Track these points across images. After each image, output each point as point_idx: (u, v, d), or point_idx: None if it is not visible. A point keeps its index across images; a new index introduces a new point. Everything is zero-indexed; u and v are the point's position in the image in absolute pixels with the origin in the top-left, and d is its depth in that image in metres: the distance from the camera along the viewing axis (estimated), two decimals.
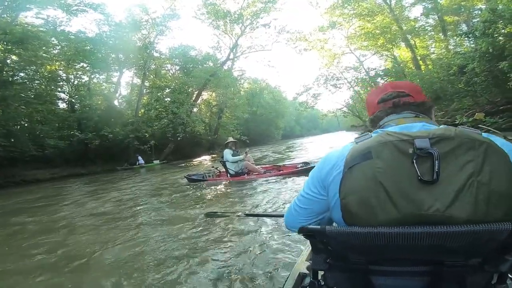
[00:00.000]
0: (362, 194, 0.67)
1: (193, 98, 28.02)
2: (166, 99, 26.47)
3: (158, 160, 21.02)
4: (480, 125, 9.15)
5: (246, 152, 7.36)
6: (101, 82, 25.60)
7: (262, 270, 2.13)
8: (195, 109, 29.09)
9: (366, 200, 0.66)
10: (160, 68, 28.77)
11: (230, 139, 7.42)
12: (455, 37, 19.71)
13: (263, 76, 75.55)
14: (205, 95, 31.43)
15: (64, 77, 20.90)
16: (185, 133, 24.37)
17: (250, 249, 2.56)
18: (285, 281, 1.21)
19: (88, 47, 20.31)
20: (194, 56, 29.55)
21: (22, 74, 17.49)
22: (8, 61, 16.55)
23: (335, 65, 27.01)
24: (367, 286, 0.76)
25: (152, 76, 27.66)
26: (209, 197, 5.50)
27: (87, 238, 3.52)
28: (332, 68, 27.10)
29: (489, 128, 8.60)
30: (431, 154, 0.63)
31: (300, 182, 5.54)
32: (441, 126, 0.73)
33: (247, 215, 2.81)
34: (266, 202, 4.42)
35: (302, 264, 1.31)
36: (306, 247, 1.56)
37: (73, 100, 20.68)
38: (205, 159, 19.08)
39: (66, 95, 20.89)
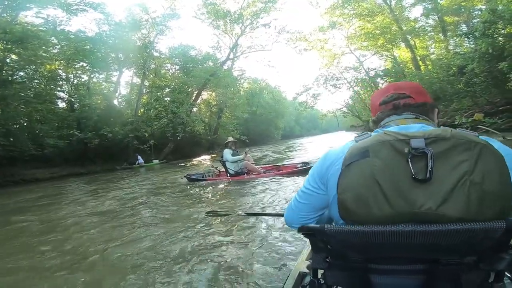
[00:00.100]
0: (359, 191, 0.68)
1: (193, 98, 27.98)
2: (165, 99, 26.43)
3: (158, 160, 21.00)
4: (479, 126, 9.17)
5: (245, 152, 7.37)
6: (100, 81, 25.59)
7: (262, 269, 2.14)
8: (194, 109, 29.06)
9: (362, 197, 0.68)
10: (159, 67, 28.74)
11: (230, 139, 7.42)
12: (455, 38, 19.72)
13: (263, 76, 75.40)
14: (205, 94, 31.40)
15: (63, 77, 20.86)
16: (184, 133, 24.35)
17: (250, 248, 2.57)
18: (286, 280, 1.22)
19: (88, 47, 20.24)
20: (194, 56, 29.49)
21: (21, 73, 17.45)
22: (8, 60, 16.49)
23: (335, 65, 27.09)
24: (366, 285, 0.77)
25: (151, 76, 27.63)
26: (209, 196, 5.50)
27: (88, 237, 3.52)
28: (332, 68, 27.18)
29: (488, 128, 8.62)
30: (426, 153, 0.64)
31: (299, 182, 5.54)
32: (439, 127, 0.75)
33: (247, 214, 2.82)
34: (266, 201, 4.42)
35: (302, 263, 1.32)
36: (306, 246, 1.56)
37: (72, 100, 20.64)
38: (205, 159, 19.07)
39: (66, 95, 20.86)
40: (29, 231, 4.24)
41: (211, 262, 2.35)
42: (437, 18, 21.11)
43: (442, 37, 21.28)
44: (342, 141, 0.90)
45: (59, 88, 20.69)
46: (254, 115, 41.81)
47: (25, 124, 17.49)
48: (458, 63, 13.67)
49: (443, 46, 21.16)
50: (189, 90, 27.45)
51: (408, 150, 0.66)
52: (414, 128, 0.78)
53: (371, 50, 24.98)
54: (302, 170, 6.52)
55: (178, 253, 2.63)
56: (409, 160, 0.65)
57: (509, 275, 0.80)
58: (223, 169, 7.27)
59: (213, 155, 21.31)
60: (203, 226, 3.40)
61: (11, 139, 15.04)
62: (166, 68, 30.56)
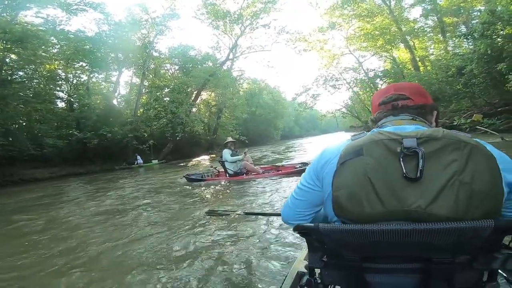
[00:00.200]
0: (352, 188, 0.70)
1: (192, 98, 27.96)
2: (165, 99, 26.38)
3: (157, 160, 20.97)
4: (478, 127, 9.20)
5: (245, 152, 7.37)
6: (100, 81, 25.57)
7: (261, 268, 2.14)
8: (194, 109, 29.02)
9: (355, 195, 0.69)
10: (159, 67, 28.72)
11: (229, 139, 7.42)
12: (454, 39, 19.78)
13: (263, 77, 75.84)
14: (204, 95, 31.39)
15: (63, 76, 20.81)
16: (184, 133, 24.33)
17: (248, 247, 2.57)
18: (284, 280, 1.23)
19: (88, 46, 20.23)
20: (194, 56, 29.46)
21: (21, 73, 17.42)
22: (7, 60, 16.47)
23: (334, 66, 27.12)
24: (362, 284, 0.78)
25: (151, 76, 27.63)
26: (208, 196, 5.51)
27: (88, 237, 3.52)
28: (331, 69, 27.22)
29: (486, 129, 8.65)
30: (417, 153, 0.66)
31: (298, 182, 5.54)
32: (432, 128, 0.76)
33: (246, 213, 2.82)
34: (265, 201, 4.44)
35: (300, 263, 1.32)
36: (304, 246, 1.57)
37: (72, 99, 20.62)
38: (204, 159, 19.06)
39: (65, 94, 20.83)
40: (30, 231, 4.24)
41: (210, 262, 2.36)
42: (436, 19, 21.17)
43: (441, 38, 21.33)
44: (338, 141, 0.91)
45: (58, 88, 20.67)
46: (254, 115, 41.80)
47: (24, 123, 17.44)
48: (457, 64, 13.71)
49: (442, 47, 21.22)
50: (188, 90, 27.44)
51: (401, 150, 0.68)
52: (409, 129, 0.79)
53: (370, 50, 25.03)
54: (301, 170, 6.50)
55: (177, 253, 2.64)
56: (401, 159, 0.67)
57: (504, 274, 0.81)
58: (222, 169, 7.27)
59: (212, 155, 21.31)
60: (202, 225, 3.40)
61: (10, 139, 15.00)
62: (165, 68, 30.55)
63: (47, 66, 18.48)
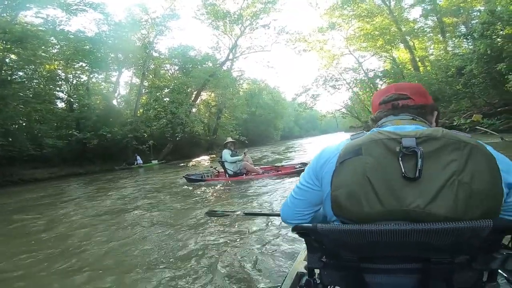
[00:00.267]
0: (351, 188, 0.69)
1: (192, 98, 27.98)
2: (165, 99, 26.40)
3: (157, 160, 20.98)
4: (477, 127, 9.20)
5: (244, 153, 7.36)
6: (100, 81, 25.58)
7: (261, 269, 2.14)
8: (194, 109, 29.02)
9: (354, 194, 0.69)
10: (159, 68, 28.71)
11: (229, 139, 7.42)
12: (453, 39, 19.80)
13: (262, 77, 75.83)
14: (204, 95, 31.41)
15: (63, 77, 20.83)
16: (183, 133, 24.34)
17: (248, 248, 2.57)
18: (283, 280, 1.22)
19: (87, 47, 20.24)
20: (194, 56, 29.48)
21: (21, 73, 17.44)
22: (7, 60, 16.49)
23: (334, 66, 27.15)
24: (361, 284, 0.78)
25: (151, 76, 27.61)
26: (208, 197, 5.50)
27: (88, 237, 3.51)
28: (331, 69, 27.25)
29: (486, 129, 8.65)
30: (416, 152, 0.65)
31: (297, 183, 5.53)
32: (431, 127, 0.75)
33: (246, 214, 2.82)
34: (264, 201, 4.43)
35: (300, 263, 1.32)
36: (304, 247, 1.57)
37: (71, 100, 20.63)
38: (204, 159, 19.06)
39: (65, 95, 20.85)
40: (31, 230, 4.25)
41: (210, 262, 2.36)
42: (436, 19, 21.18)
43: (441, 38, 21.34)
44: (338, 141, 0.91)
45: (58, 88, 20.69)
46: (253, 115, 41.80)
47: (24, 124, 17.46)
48: (456, 64, 13.72)
49: (442, 47, 21.24)
50: (188, 90, 27.45)
51: (400, 149, 0.67)
52: (409, 128, 0.79)
53: (370, 51, 25.05)
54: (301, 170, 6.49)
55: (177, 253, 2.64)
56: (400, 158, 0.66)
57: (504, 274, 0.81)
58: (222, 170, 7.26)
59: (212, 156, 21.31)
60: (202, 226, 3.40)
61: (10, 139, 15.01)
62: (165, 69, 30.54)
63: (47, 66, 18.49)
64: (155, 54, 26.72)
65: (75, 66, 21.06)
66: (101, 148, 19.94)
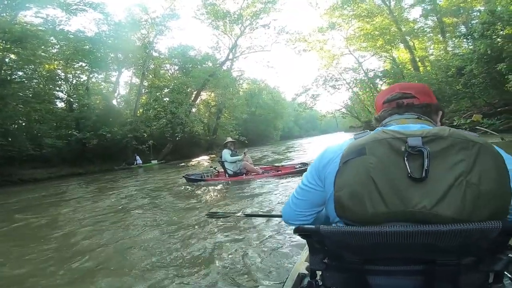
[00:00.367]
0: (354, 188, 0.68)
1: (192, 98, 27.98)
2: (164, 99, 26.41)
3: (156, 160, 21.00)
4: (477, 127, 9.19)
5: (244, 153, 7.35)
6: (99, 81, 25.59)
7: (262, 270, 2.13)
8: (193, 109, 29.04)
9: (358, 194, 0.67)
10: (159, 68, 28.71)
11: (229, 139, 7.41)
12: (453, 39, 19.81)
13: (262, 77, 75.83)
14: (204, 95, 31.40)
15: (62, 76, 20.83)
16: (183, 133, 24.34)
17: (249, 249, 2.55)
18: (285, 282, 1.21)
19: (87, 47, 20.23)
20: (193, 56, 29.50)
21: (20, 73, 17.44)
22: (7, 59, 16.49)
23: (334, 66, 27.19)
24: (364, 286, 0.76)
25: (151, 76, 27.62)
26: (208, 197, 5.49)
27: (89, 237, 3.49)
28: (331, 69, 27.30)
29: (486, 129, 8.64)
30: (422, 152, 0.63)
31: (298, 183, 5.53)
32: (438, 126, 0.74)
33: (247, 215, 2.81)
34: (265, 202, 4.41)
35: (302, 264, 1.31)
36: (305, 248, 1.56)
37: (71, 100, 20.63)
38: (204, 159, 19.05)
39: (65, 95, 20.85)
40: (31, 230, 4.25)
41: (211, 264, 2.34)
42: (436, 19, 21.19)
43: (441, 38, 21.34)
44: (341, 140, 0.90)
45: (57, 88, 20.68)
46: (253, 115, 41.81)
47: (23, 124, 17.46)
48: (456, 64, 13.72)
49: (442, 47, 21.25)
50: (188, 90, 27.45)
51: (405, 149, 0.66)
52: (414, 127, 0.77)
53: (370, 51, 25.08)
54: (301, 170, 6.49)
55: (177, 254, 2.62)
56: (405, 158, 0.65)
57: (510, 275, 0.80)
58: (222, 170, 7.25)
59: (212, 156, 21.30)
60: (202, 227, 3.38)
61: (10, 139, 15.01)
62: (165, 68, 30.54)
63: (47, 66, 18.50)
64: (155, 54, 26.73)
65: (75, 66, 21.05)
66: (100, 148, 19.94)
